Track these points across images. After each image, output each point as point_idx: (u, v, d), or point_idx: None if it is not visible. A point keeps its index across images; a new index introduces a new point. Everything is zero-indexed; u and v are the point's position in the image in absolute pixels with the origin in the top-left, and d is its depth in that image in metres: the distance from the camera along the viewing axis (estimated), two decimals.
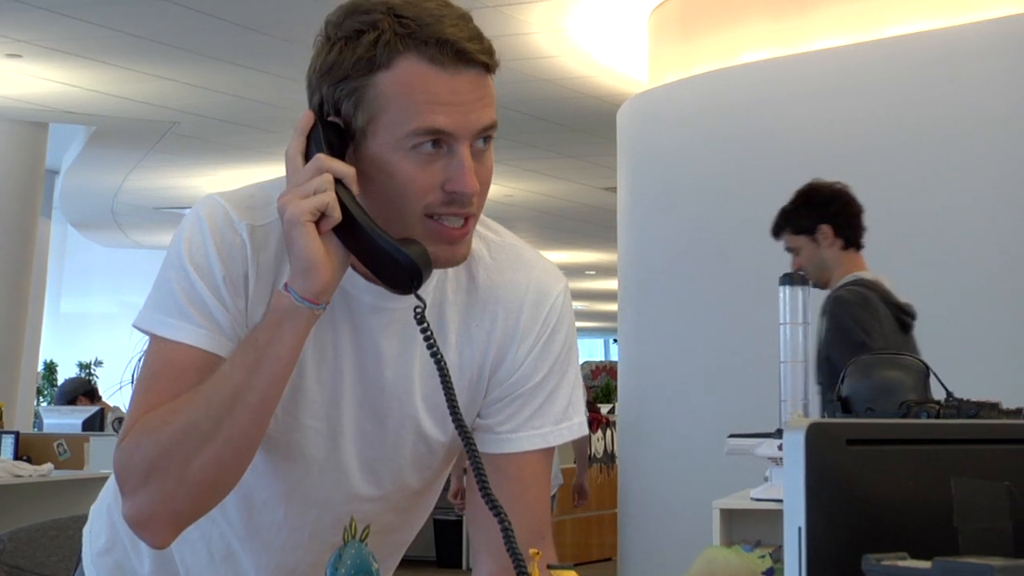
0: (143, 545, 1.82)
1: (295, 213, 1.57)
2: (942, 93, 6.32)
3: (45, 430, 8.56)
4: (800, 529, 1.23)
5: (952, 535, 1.30)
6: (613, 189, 8.79)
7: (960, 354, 5.55)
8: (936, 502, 1.30)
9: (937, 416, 3.23)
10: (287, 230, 1.58)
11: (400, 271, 1.59)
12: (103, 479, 1.74)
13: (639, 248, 7.83)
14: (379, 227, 1.59)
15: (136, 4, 8.39)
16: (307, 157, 1.62)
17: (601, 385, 16.92)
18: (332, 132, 1.63)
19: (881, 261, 6.38)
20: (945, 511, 1.30)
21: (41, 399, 16.87)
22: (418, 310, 1.62)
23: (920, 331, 5.79)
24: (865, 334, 4.15)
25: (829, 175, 6.64)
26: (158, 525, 1.62)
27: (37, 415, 11.33)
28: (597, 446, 11.48)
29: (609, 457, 11.53)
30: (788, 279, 3.73)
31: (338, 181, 1.59)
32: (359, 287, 1.70)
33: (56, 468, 7.15)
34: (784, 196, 6.85)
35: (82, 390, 9.47)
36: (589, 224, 16.66)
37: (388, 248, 1.59)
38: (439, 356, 1.61)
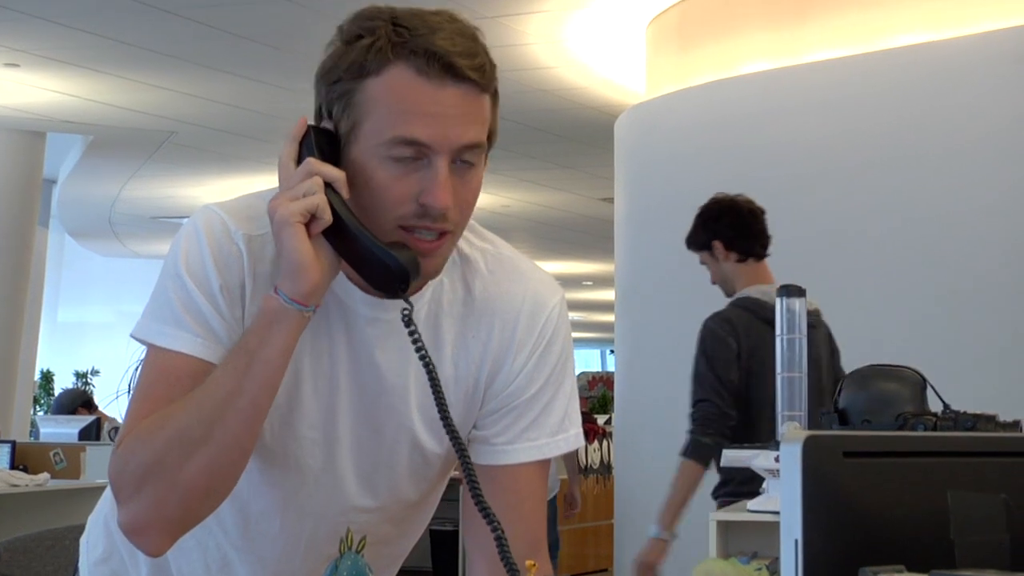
0: (140, 555, 1.82)
1: (285, 215, 1.57)
2: (940, 105, 6.32)
3: (41, 439, 8.55)
4: (797, 541, 1.23)
5: (949, 548, 1.30)
6: (610, 200, 8.79)
7: (958, 366, 5.55)
8: (933, 514, 1.30)
9: (934, 428, 3.23)
10: (277, 231, 1.59)
11: (388, 275, 1.59)
12: (100, 489, 1.74)
13: (636, 259, 7.83)
14: (368, 231, 1.60)
15: (134, 14, 8.39)
16: (299, 163, 1.62)
17: (597, 396, 16.91)
18: (324, 138, 1.64)
19: (878, 272, 6.40)
20: (942, 523, 1.30)
21: (38, 408, 16.84)
22: (405, 312, 1.62)
23: (917, 342, 5.79)
24: (710, 367, 4.37)
25: (827, 186, 6.66)
26: (152, 532, 1.62)
27: (33, 424, 11.32)
28: (593, 457, 11.47)
29: (605, 468, 11.52)
30: (785, 290, 3.72)
31: (329, 185, 1.59)
32: (355, 298, 1.70)
33: (52, 478, 7.12)
34: (782, 207, 6.84)
35: (80, 402, 9.44)
36: (586, 235, 16.65)
37: (377, 252, 1.59)
38: (427, 359, 1.61)
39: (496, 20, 8.01)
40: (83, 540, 1.96)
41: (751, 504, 3.76)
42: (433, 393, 1.61)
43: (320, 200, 1.58)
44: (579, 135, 11.28)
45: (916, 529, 1.30)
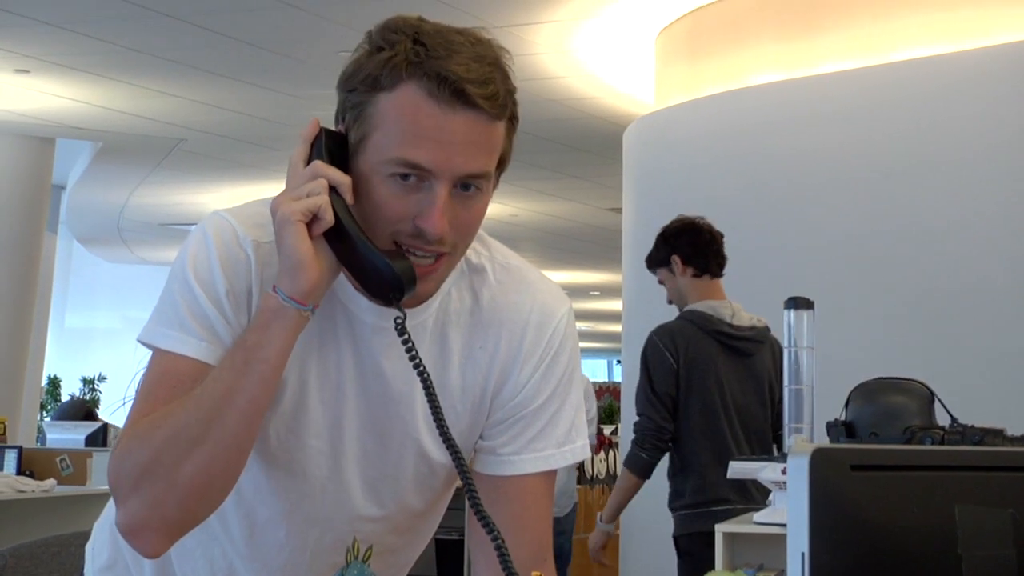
0: (145, 562, 1.82)
1: (287, 213, 1.57)
2: (949, 116, 6.32)
3: (48, 445, 8.55)
4: (803, 555, 1.23)
5: (956, 562, 1.29)
6: (618, 210, 8.80)
7: (966, 379, 5.55)
8: (940, 529, 1.30)
9: (941, 442, 3.23)
10: (278, 229, 1.59)
11: (383, 283, 1.59)
12: (106, 495, 1.73)
13: (644, 269, 7.81)
14: (367, 238, 1.60)
15: (143, 21, 8.41)
16: (309, 164, 1.63)
17: (604, 406, 16.90)
18: (336, 142, 1.64)
19: (886, 284, 6.39)
20: (949, 538, 1.30)
21: (44, 414, 16.86)
22: (398, 321, 1.62)
23: (923, 355, 5.78)
24: (648, 381, 4.63)
25: (835, 197, 6.65)
26: (150, 533, 1.61)
27: (40, 430, 11.33)
28: (599, 467, 11.45)
29: (612, 478, 11.50)
30: (794, 303, 3.72)
31: (334, 189, 1.59)
32: (361, 307, 1.70)
33: (59, 484, 7.14)
34: (791, 217, 6.85)
35: (81, 415, 9.44)
36: (594, 244, 16.67)
37: (374, 259, 1.59)
38: (422, 368, 1.61)
39: (505, 30, 8.02)
40: (88, 547, 1.96)
41: (758, 516, 3.76)
42: (429, 403, 1.60)
43: (323, 201, 1.57)
44: (588, 145, 11.29)
45: (923, 543, 1.30)
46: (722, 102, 7.39)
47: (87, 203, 14.95)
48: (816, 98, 6.86)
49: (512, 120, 1.64)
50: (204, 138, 11.73)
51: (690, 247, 4.78)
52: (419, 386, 1.68)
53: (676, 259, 4.79)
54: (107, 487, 1.63)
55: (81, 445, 8.10)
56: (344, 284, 1.68)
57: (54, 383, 19.17)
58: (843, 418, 3.63)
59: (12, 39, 9.01)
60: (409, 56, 1.58)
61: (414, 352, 1.61)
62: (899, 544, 1.28)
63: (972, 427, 3.31)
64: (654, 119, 8.09)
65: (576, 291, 21.15)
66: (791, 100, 6.97)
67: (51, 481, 7.03)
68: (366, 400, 1.72)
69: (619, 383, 10.93)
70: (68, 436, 8.41)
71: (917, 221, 6.33)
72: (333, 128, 1.66)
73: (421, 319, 1.71)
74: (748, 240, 6.93)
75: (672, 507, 4.71)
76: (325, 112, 1.68)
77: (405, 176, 1.58)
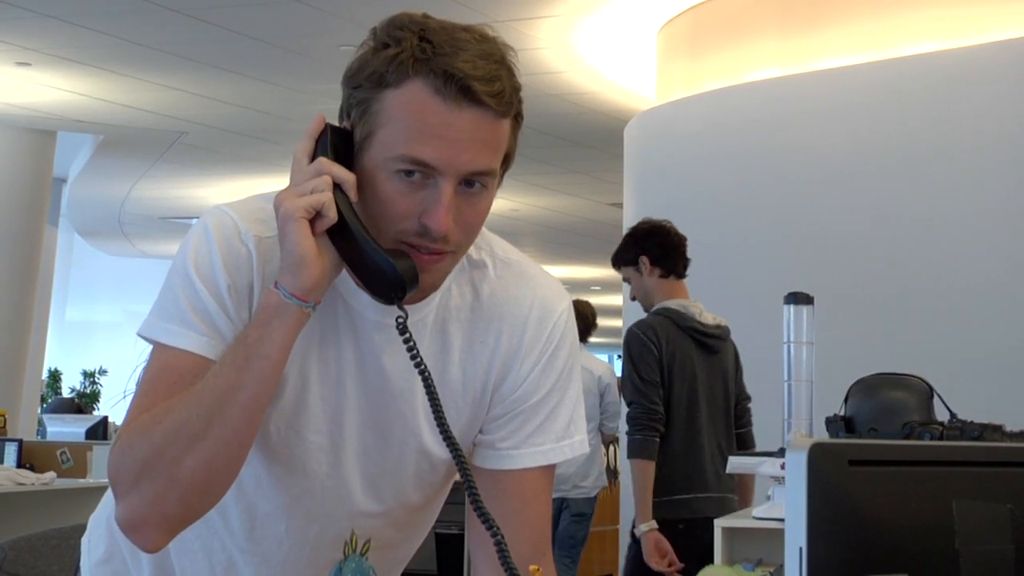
0: (143, 556, 1.82)
1: (290, 209, 1.57)
2: (949, 112, 6.32)
3: (48, 438, 8.57)
4: (801, 549, 1.23)
5: (954, 558, 1.30)
6: (619, 205, 8.80)
7: (965, 374, 5.55)
8: (938, 524, 1.30)
9: (940, 437, 3.23)
10: (281, 225, 1.58)
11: (385, 281, 1.59)
12: (106, 488, 1.73)
13: None
14: (370, 236, 1.59)
15: (145, 14, 8.41)
16: (314, 160, 1.62)
17: None
18: (341, 138, 1.63)
19: (886, 278, 6.39)
20: (947, 533, 1.30)
21: (45, 407, 16.87)
22: (399, 320, 1.62)
23: (924, 350, 5.78)
24: (634, 369, 4.74)
25: (836, 192, 6.65)
26: (149, 528, 1.60)
27: (41, 423, 11.33)
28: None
29: (612, 473, 11.50)
30: (793, 298, 3.72)
31: (338, 186, 1.59)
32: (363, 303, 1.69)
33: (59, 476, 7.14)
34: (791, 213, 6.85)
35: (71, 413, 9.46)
36: (595, 239, 16.65)
37: (376, 257, 1.58)
38: (423, 366, 1.61)
39: (507, 24, 8.02)
40: (84, 540, 1.95)
41: (756, 511, 3.76)
42: (429, 400, 1.60)
43: (326, 198, 1.57)
44: (589, 140, 11.28)
45: (921, 538, 1.30)
46: (723, 97, 7.39)
47: (88, 196, 14.95)
48: (817, 94, 6.86)
49: (517, 118, 1.64)
50: (205, 132, 11.72)
51: (659, 248, 4.93)
52: (420, 382, 1.68)
53: (644, 259, 4.93)
54: (107, 480, 1.63)
55: (81, 438, 8.12)
56: (346, 280, 1.68)
57: (55, 376, 19.18)
58: (842, 413, 3.63)
59: (13, 32, 9.00)
60: (416, 53, 1.57)
61: (415, 351, 1.62)
62: (897, 539, 1.29)
63: (971, 423, 3.32)
64: (655, 114, 8.09)
65: (576, 286, 21.14)
66: (792, 96, 6.97)
67: (51, 474, 7.04)
68: (367, 396, 1.72)
69: (619, 378, 10.91)
70: (68, 429, 8.43)
71: (918, 216, 6.33)
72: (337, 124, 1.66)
73: (422, 315, 1.71)
74: (748, 235, 6.94)
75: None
76: (326, 106, 1.67)
77: (410, 173, 1.58)
